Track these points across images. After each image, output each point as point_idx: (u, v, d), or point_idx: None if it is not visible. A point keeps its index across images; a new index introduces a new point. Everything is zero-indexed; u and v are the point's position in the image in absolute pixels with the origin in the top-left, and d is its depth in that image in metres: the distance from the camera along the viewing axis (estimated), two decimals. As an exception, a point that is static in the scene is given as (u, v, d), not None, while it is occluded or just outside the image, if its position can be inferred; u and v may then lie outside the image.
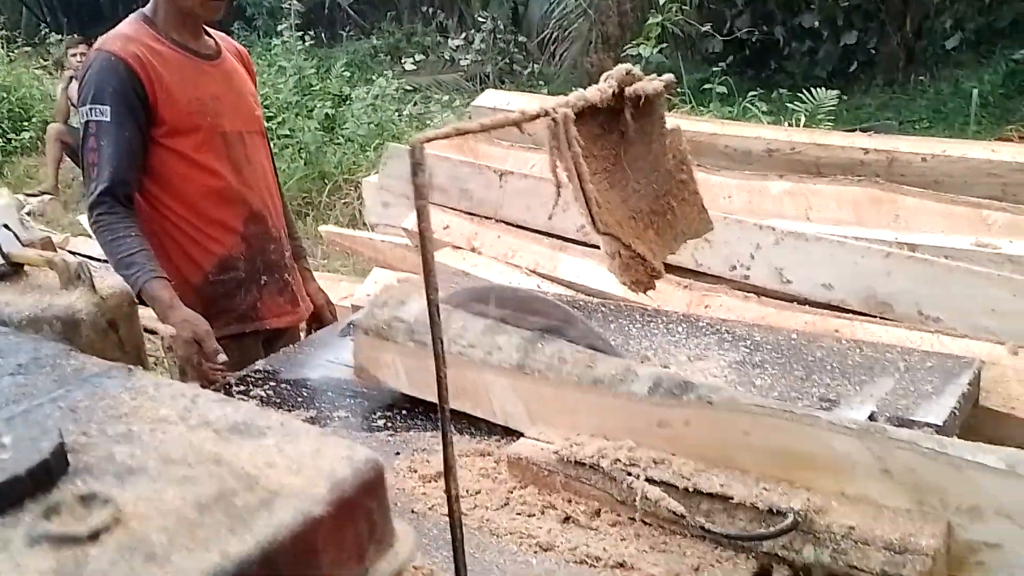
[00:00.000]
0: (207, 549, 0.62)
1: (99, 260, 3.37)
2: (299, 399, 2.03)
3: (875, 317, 2.18)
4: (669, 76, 1.59)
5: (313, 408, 1.97)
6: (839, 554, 1.28)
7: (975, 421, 1.85)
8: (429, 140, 1.23)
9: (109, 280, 1.51)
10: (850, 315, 2.21)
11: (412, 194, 3.36)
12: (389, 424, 1.89)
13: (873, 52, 9.86)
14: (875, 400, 1.74)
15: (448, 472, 1.25)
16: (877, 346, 1.98)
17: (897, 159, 2.57)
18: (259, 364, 2.18)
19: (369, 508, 0.72)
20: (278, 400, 2.03)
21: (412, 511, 1.56)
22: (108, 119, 2.21)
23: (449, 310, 1.93)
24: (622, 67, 1.50)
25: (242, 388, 2.08)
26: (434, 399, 1.91)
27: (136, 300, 1.60)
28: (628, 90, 1.52)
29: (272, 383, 2.11)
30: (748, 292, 2.39)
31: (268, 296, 2.47)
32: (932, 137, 2.97)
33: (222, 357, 2.15)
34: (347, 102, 8.20)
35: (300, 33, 9.56)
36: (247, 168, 2.39)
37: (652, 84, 1.54)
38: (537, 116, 1.37)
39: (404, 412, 1.91)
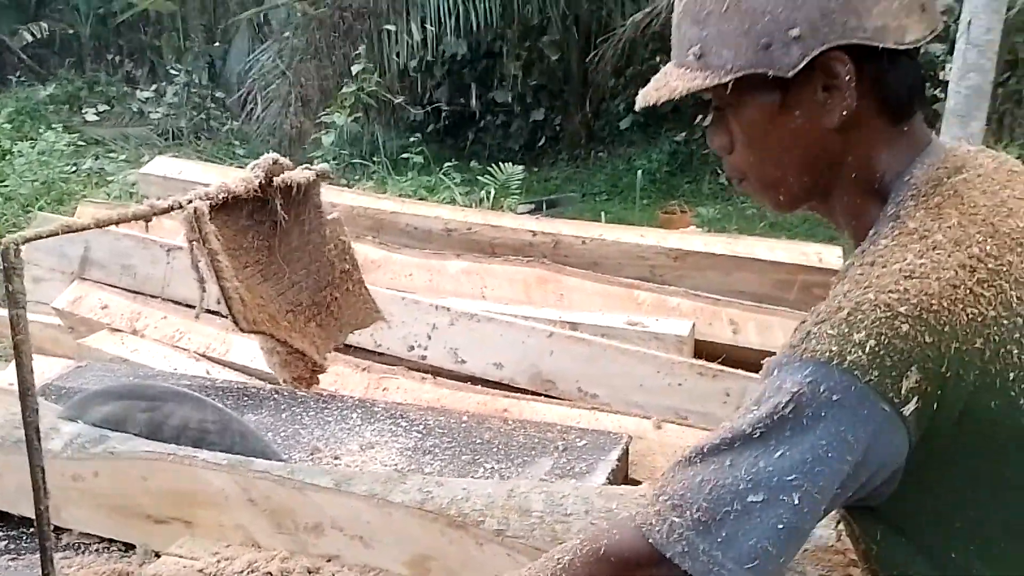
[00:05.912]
0: None
1: None
2: None
3: (541, 395, 2.28)
4: (324, 166, 1.56)
5: (-87, 535, 1.66)
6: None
7: (626, 494, 1.98)
8: (28, 240, 1.08)
9: None
10: (519, 393, 2.29)
11: (61, 268, 2.99)
12: (12, 546, 1.65)
13: (559, 129, 10.67)
14: (535, 481, 1.80)
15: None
16: (540, 425, 2.06)
17: (561, 241, 2.74)
18: None
19: None
20: None
21: (25, 657, 1.35)
22: None
23: None
24: (269, 157, 1.45)
25: None
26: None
27: None
28: (277, 180, 1.46)
29: None
30: (425, 372, 2.39)
31: None
32: (594, 221, 3.24)
33: None
34: (8, 157, 7.30)
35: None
36: None
37: (303, 174, 1.50)
38: (169, 210, 1.27)
39: (32, 531, 1.67)
